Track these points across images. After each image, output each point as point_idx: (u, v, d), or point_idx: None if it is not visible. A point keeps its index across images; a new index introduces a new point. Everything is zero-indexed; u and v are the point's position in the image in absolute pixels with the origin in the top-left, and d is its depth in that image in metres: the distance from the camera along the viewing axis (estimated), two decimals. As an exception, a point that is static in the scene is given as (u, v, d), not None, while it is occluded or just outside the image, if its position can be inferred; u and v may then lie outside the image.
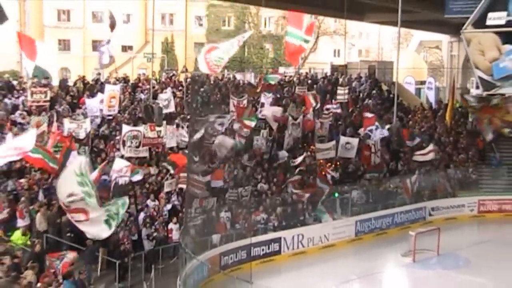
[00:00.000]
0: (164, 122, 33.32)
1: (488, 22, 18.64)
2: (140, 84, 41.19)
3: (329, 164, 34.87)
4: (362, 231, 32.93)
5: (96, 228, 21.64)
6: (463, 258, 30.60)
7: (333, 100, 42.65)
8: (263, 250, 28.63)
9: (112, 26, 41.09)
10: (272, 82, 43.19)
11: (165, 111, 35.24)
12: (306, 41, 35.58)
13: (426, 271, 28.97)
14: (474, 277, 28.15)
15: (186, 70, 46.76)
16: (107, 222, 21.57)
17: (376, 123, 36.88)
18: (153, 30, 51.78)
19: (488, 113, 37.96)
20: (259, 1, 37.37)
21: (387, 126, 37.62)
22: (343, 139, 35.36)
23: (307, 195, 31.68)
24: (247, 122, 34.01)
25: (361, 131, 37.38)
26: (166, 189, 29.36)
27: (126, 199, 22.07)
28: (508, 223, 36.90)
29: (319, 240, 30.89)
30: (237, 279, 24.16)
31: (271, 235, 29.30)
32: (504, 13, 18.19)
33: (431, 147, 37.43)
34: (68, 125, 31.36)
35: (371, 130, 36.63)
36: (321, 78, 50.13)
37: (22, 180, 27.70)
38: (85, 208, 20.80)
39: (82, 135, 31.24)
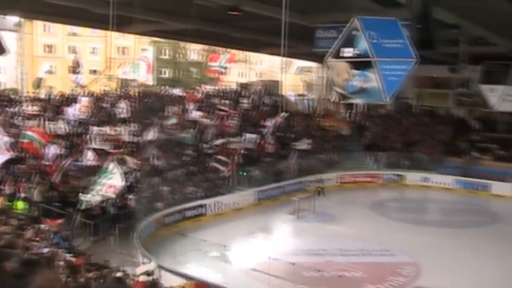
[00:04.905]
0: (121, 124, 33.22)
1: (342, 54, 19.32)
2: (103, 97, 40.79)
3: (238, 151, 35.12)
4: (261, 198, 33.35)
5: None
6: (330, 214, 31.35)
7: (238, 108, 43.01)
8: (193, 213, 28.75)
9: (77, 65, 42.58)
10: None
11: (122, 116, 35.05)
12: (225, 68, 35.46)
13: (305, 224, 29.59)
14: (338, 227, 28.97)
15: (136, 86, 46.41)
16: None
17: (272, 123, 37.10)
18: (111, 59, 51.37)
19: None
20: (186, 38, 37.49)
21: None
22: (247, 135, 35.71)
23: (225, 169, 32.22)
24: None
25: (263, 128, 37.56)
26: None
27: None
28: (359, 190, 37.98)
29: (232, 205, 31.21)
30: (176, 233, 24.52)
31: (198, 202, 29.46)
32: (351, 49, 18.95)
33: (305, 140, 38.16)
34: (51, 126, 31.08)
35: (267, 128, 36.97)
36: (230, 92, 50.42)
37: (22, 166, 27.46)
38: None
39: (61, 132, 31.04)
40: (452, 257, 23.84)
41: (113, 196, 22.38)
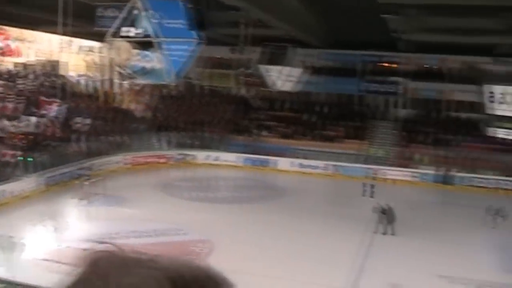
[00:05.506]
0: None
1: (122, 34, 19.52)
2: None
3: (21, 135, 33.70)
4: (49, 184, 32.13)
5: None
6: (121, 197, 31.37)
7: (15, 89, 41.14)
8: (-27, 203, 27.12)
9: None
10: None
11: None
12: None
13: (96, 208, 29.42)
14: (129, 209, 29.13)
15: None
16: None
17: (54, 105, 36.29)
18: None
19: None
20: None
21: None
22: (29, 118, 34.54)
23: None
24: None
25: (44, 111, 36.48)
26: None
27: None
28: (150, 172, 38.49)
29: (17, 193, 29.69)
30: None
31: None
32: (132, 28, 19.25)
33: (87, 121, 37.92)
34: None
35: (48, 110, 36.07)
36: (6, 73, 47.63)
37: None
38: None
39: None
40: (243, 232, 25.51)
41: None
